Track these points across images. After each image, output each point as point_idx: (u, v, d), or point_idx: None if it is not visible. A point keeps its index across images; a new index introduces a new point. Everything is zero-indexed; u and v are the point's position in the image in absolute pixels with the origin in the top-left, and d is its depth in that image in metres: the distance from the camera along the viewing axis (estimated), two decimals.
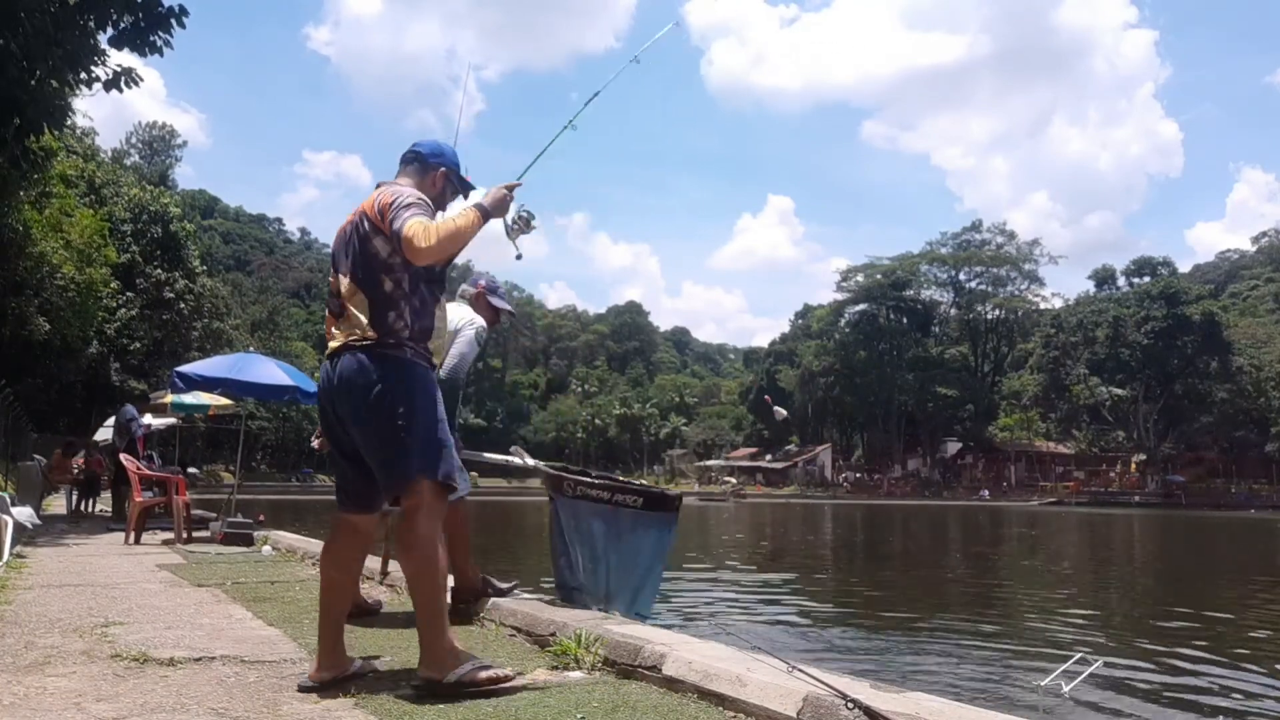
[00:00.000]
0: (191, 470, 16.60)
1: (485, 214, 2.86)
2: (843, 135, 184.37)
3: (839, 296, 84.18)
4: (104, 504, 15.60)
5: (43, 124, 9.65)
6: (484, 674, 2.73)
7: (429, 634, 2.79)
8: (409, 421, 2.78)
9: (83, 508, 14.33)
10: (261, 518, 10.04)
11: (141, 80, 9.90)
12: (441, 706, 2.66)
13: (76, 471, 15.49)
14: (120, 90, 9.84)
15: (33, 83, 9.15)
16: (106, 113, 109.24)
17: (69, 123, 16.24)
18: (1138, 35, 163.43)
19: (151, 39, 9.43)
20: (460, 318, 4.36)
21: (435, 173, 3.07)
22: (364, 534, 3.05)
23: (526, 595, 4.54)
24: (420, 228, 2.73)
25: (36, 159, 12.41)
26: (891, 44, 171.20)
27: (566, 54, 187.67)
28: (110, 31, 9.47)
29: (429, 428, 2.83)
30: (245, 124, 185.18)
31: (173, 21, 9.45)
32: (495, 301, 4.72)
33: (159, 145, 69.74)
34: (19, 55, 8.64)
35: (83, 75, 9.74)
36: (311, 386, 10.62)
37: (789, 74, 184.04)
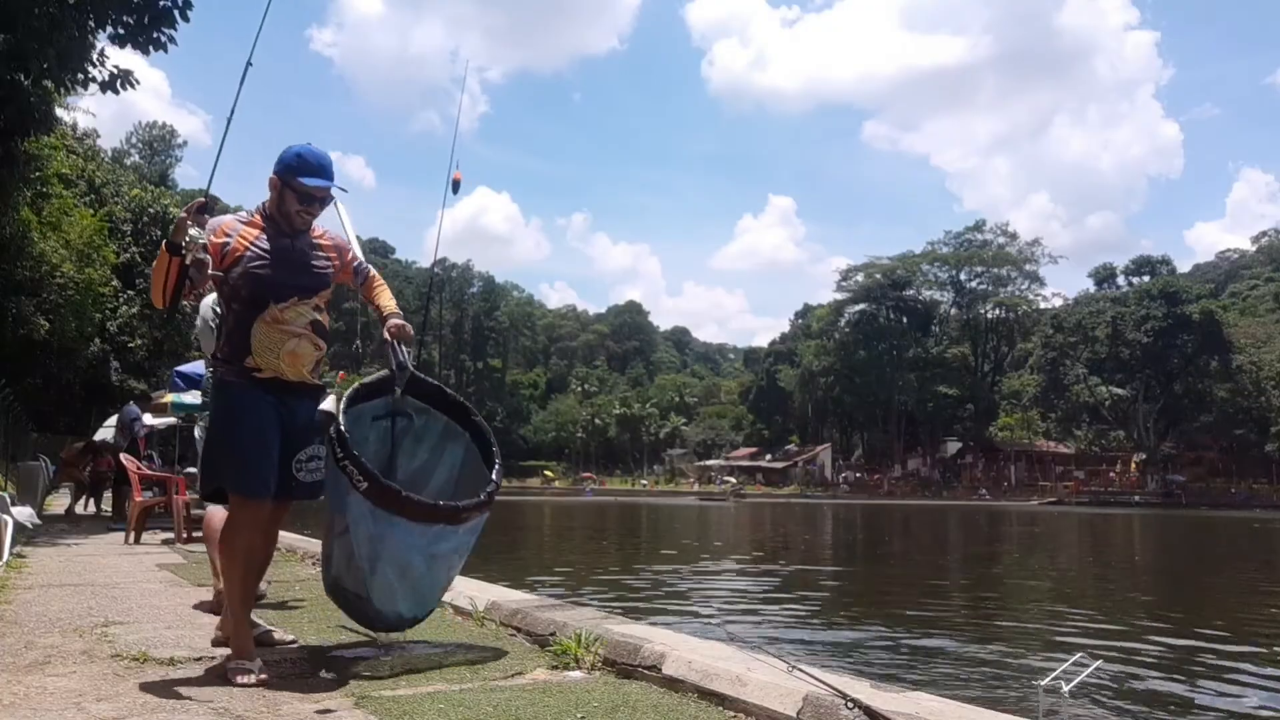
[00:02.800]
0: (191, 470, 16.59)
1: (167, 244, 3.04)
2: (844, 136, 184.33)
3: (839, 296, 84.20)
4: (104, 504, 15.60)
5: (29, 128, 9.61)
6: (237, 678, 2.91)
7: (226, 621, 3.28)
8: (205, 435, 3.31)
9: (85, 508, 14.32)
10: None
11: (139, 82, 9.88)
12: (441, 706, 2.66)
13: (87, 471, 15.47)
14: (117, 91, 9.82)
15: (26, 82, 9.11)
16: (112, 113, 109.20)
17: (61, 126, 16.24)
18: (1139, 36, 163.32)
19: (154, 36, 9.40)
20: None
21: (271, 183, 3.20)
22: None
23: (528, 594, 4.53)
24: None
25: (27, 159, 12.39)
26: (893, 45, 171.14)
27: (569, 55, 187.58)
28: (110, 30, 9.44)
29: (214, 441, 3.19)
30: (248, 125, 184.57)
31: (175, 15, 9.41)
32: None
33: (159, 145, 69.68)
34: (7, 55, 8.61)
35: (78, 76, 9.71)
36: None
37: (790, 74, 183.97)
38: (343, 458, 3.19)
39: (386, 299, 3.44)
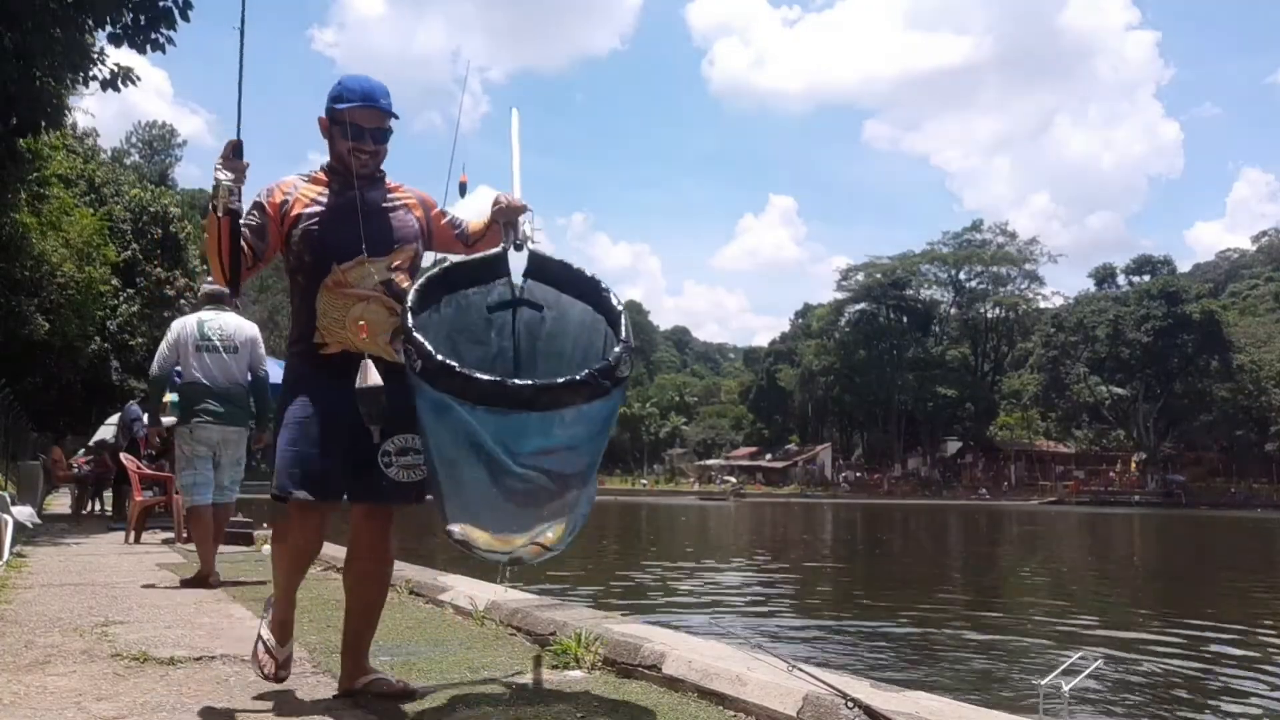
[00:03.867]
0: None
1: (213, 207, 2.59)
2: (845, 135, 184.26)
3: (839, 296, 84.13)
4: (103, 503, 15.60)
5: (40, 123, 9.62)
6: (260, 664, 2.77)
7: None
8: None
9: (89, 509, 14.33)
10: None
11: (139, 79, 9.88)
12: (441, 706, 2.66)
13: (76, 470, 15.47)
14: (118, 89, 9.82)
15: (35, 80, 9.11)
16: (114, 112, 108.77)
17: (68, 123, 16.24)
18: (1140, 36, 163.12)
19: (153, 36, 9.40)
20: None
21: (320, 125, 2.81)
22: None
23: (528, 594, 4.53)
24: None
25: (28, 158, 12.38)
26: (894, 45, 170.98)
27: (571, 55, 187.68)
28: (109, 29, 9.43)
29: (280, 435, 2.73)
30: (251, 125, 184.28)
31: (175, 16, 9.41)
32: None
33: (159, 145, 69.66)
34: (14, 52, 8.61)
35: (80, 75, 9.70)
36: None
37: (791, 74, 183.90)
38: (403, 336, 2.50)
39: (487, 218, 2.96)
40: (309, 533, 2.74)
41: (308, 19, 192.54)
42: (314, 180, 2.79)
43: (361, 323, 2.64)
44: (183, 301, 30.64)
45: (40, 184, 17.02)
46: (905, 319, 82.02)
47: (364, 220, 2.70)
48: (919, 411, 75.96)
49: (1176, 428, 66.11)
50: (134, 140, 68.08)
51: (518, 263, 2.82)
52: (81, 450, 16.61)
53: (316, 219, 2.70)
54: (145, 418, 12.71)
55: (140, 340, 29.45)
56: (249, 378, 5.75)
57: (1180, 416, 65.40)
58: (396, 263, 2.74)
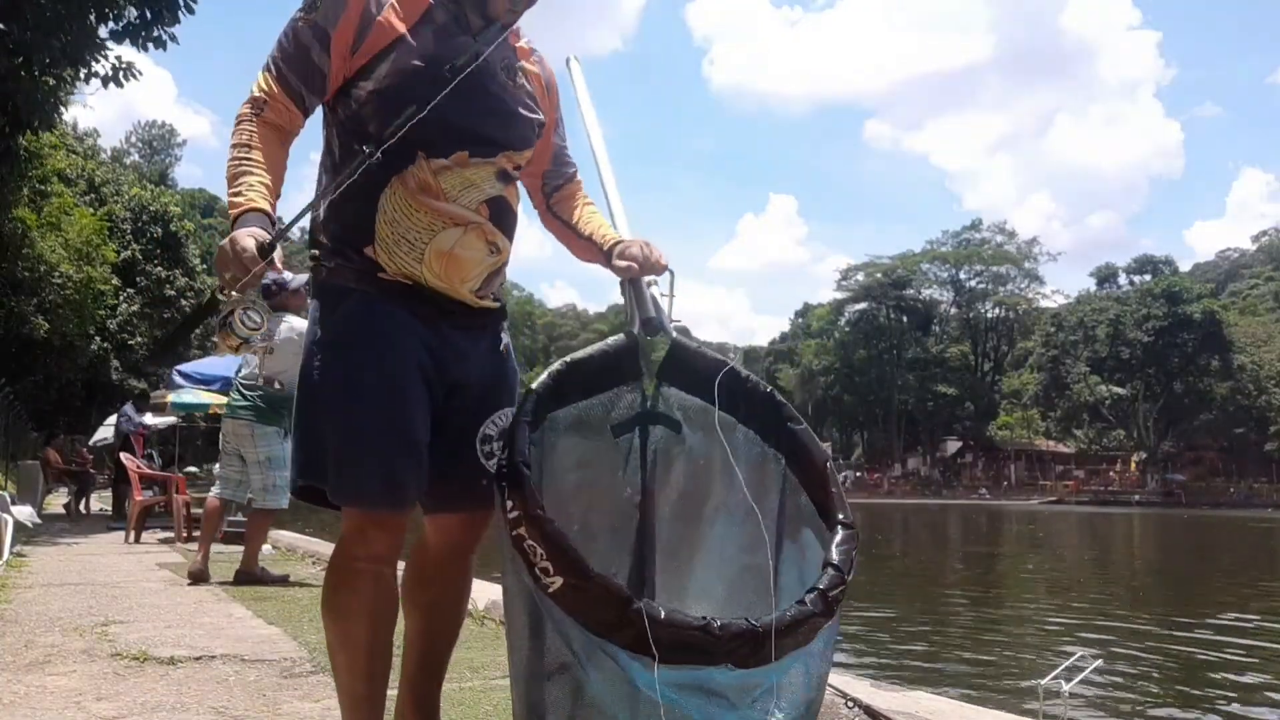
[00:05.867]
0: (190, 469, 16.62)
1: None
2: (845, 135, 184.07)
3: (839, 295, 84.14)
4: (103, 502, 15.62)
5: (34, 121, 9.59)
6: None
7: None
8: (299, 390, 1.85)
9: (80, 507, 14.34)
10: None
11: (140, 74, 9.86)
12: (441, 706, 2.65)
13: (62, 465, 15.47)
14: (119, 85, 9.80)
15: (36, 74, 9.08)
16: (117, 112, 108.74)
17: (63, 121, 16.23)
18: (1141, 36, 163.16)
19: (156, 34, 9.38)
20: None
21: None
22: None
23: None
24: None
25: (27, 156, 12.38)
26: (895, 45, 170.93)
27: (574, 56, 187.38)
28: (112, 25, 9.42)
29: (310, 400, 1.77)
30: None
31: (180, 12, 9.38)
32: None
33: (159, 144, 69.71)
34: (14, 48, 8.59)
35: (82, 72, 9.69)
36: None
37: (792, 74, 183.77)
38: (515, 514, 1.51)
39: (599, 222, 1.98)
40: (388, 577, 1.72)
41: None
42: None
43: (451, 256, 1.69)
44: (183, 302, 30.68)
45: (41, 181, 17.04)
46: (905, 318, 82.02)
47: (484, 98, 1.71)
48: (919, 411, 75.98)
49: (1176, 427, 66.10)
50: (134, 140, 68.10)
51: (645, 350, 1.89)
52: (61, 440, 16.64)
53: (410, 71, 1.65)
54: (146, 416, 12.78)
55: (140, 340, 29.47)
56: (290, 378, 5.66)
57: (1180, 416, 65.40)
58: (511, 169, 1.78)
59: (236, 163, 1.65)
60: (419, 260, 1.68)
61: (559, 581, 1.44)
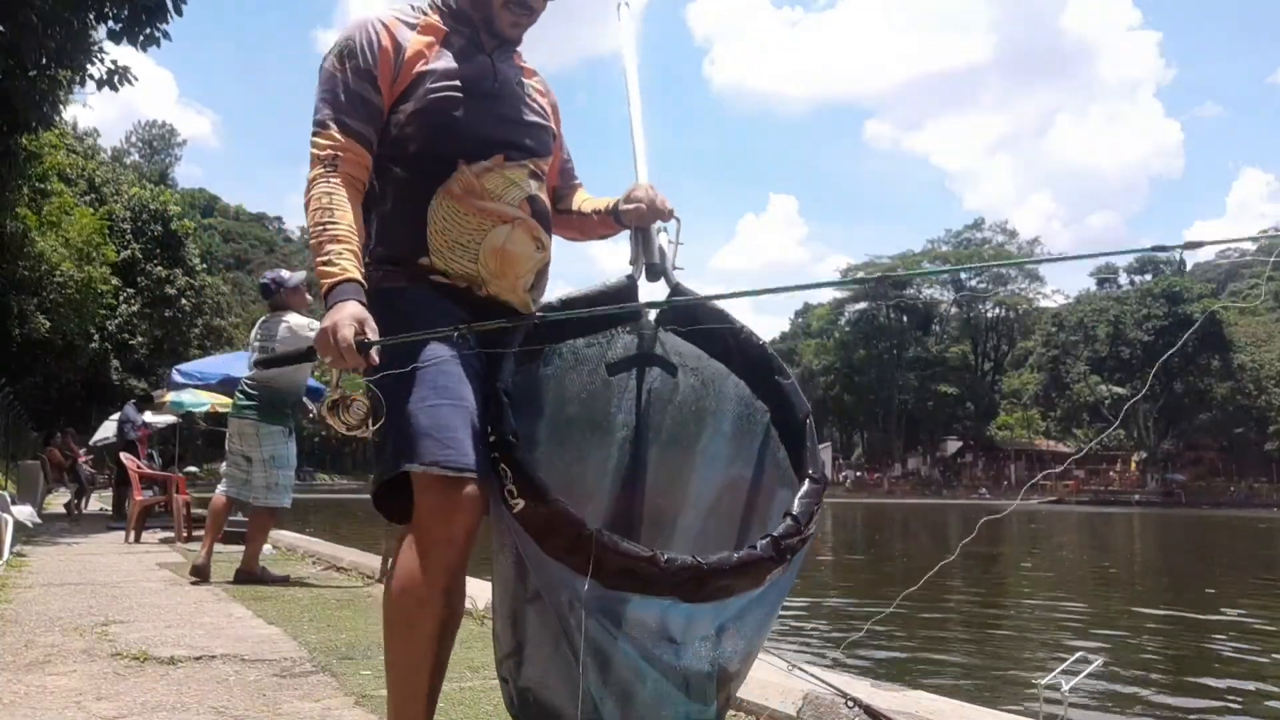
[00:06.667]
0: (190, 469, 16.65)
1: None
2: (846, 135, 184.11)
3: (839, 295, 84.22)
4: (103, 502, 15.63)
5: (32, 122, 9.60)
6: None
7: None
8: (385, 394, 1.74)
9: (77, 507, 14.35)
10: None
11: (137, 79, 9.87)
12: (441, 705, 2.65)
13: (63, 463, 15.49)
14: (115, 88, 9.81)
15: (32, 75, 9.08)
16: (117, 112, 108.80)
17: (63, 121, 16.24)
18: (1141, 37, 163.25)
19: (149, 31, 9.38)
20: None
21: None
22: None
23: None
24: None
25: (26, 156, 12.38)
26: (896, 45, 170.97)
27: (574, 56, 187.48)
28: (107, 25, 9.42)
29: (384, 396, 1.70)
30: (254, 126, 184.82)
31: (169, 12, 9.39)
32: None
33: (159, 144, 69.79)
34: (10, 47, 8.58)
35: (78, 74, 9.69)
36: (314, 385, 10.57)
37: (792, 74, 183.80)
38: (492, 439, 1.62)
39: (598, 198, 2.06)
40: (460, 550, 1.64)
41: (312, 21, 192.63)
42: (425, 27, 1.81)
43: (505, 253, 1.76)
44: (183, 301, 30.72)
45: (40, 179, 17.04)
46: (905, 318, 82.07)
47: (508, 107, 1.85)
48: (919, 411, 76.03)
49: (1176, 427, 66.15)
50: (134, 140, 68.16)
51: (648, 294, 1.92)
52: (84, 449, 16.64)
53: (443, 89, 1.77)
54: (146, 415, 12.78)
55: (140, 340, 29.49)
56: (292, 378, 5.67)
57: (1180, 416, 65.45)
58: (540, 171, 1.88)
59: (321, 228, 1.67)
60: (474, 260, 1.76)
61: (521, 504, 1.56)
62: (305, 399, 6.03)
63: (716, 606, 1.58)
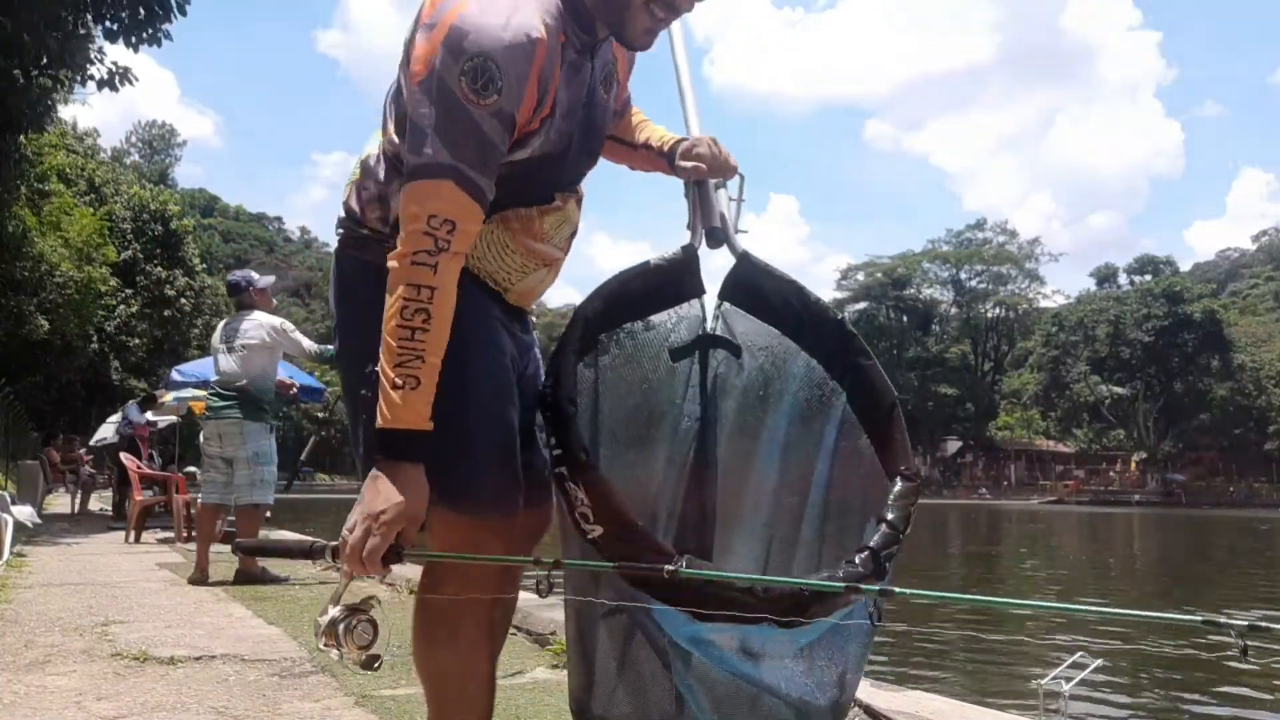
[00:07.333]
0: (191, 469, 16.61)
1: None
2: (846, 135, 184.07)
3: (839, 295, 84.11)
4: (103, 502, 15.62)
5: (26, 124, 9.58)
6: None
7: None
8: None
9: (76, 507, 14.36)
10: (268, 514, 10.05)
11: (137, 79, 9.87)
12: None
13: (61, 464, 15.48)
14: (115, 89, 9.80)
15: (33, 75, 9.06)
16: (118, 112, 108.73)
17: (61, 122, 16.24)
18: (1142, 37, 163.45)
19: (150, 31, 9.38)
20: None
21: None
22: None
23: (528, 593, 4.53)
24: None
25: (24, 157, 12.37)
26: (896, 45, 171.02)
27: None
28: (106, 25, 9.41)
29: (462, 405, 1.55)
30: (256, 126, 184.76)
31: (172, 12, 9.39)
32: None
33: (159, 144, 69.77)
34: (7, 48, 8.57)
35: (78, 75, 9.69)
36: (313, 384, 10.59)
37: (793, 74, 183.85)
38: (558, 452, 1.43)
39: (654, 128, 1.83)
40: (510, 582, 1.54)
41: (312, 20, 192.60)
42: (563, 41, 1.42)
43: (531, 292, 1.60)
44: (183, 301, 30.70)
45: (40, 179, 17.03)
46: (905, 318, 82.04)
47: (593, 136, 1.58)
48: (919, 411, 75.97)
49: (1176, 427, 66.13)
50: (134, 140, 68.17)
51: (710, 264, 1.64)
52: (84, 450, 16.63)
53: (560, 138, 1.47)
54: (147, 414, 12.77)
55: (140, 340, 29.46)
56: (265, 375, 5.73)
57: (1180, 416, 65.43)
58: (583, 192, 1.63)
59: (410, 334, 1.29)
60: (504, 291, 1.57)
61: (599, 530, 1.36)
62: (305, 399, 6.11)
63: (805, 629, 1.41)
